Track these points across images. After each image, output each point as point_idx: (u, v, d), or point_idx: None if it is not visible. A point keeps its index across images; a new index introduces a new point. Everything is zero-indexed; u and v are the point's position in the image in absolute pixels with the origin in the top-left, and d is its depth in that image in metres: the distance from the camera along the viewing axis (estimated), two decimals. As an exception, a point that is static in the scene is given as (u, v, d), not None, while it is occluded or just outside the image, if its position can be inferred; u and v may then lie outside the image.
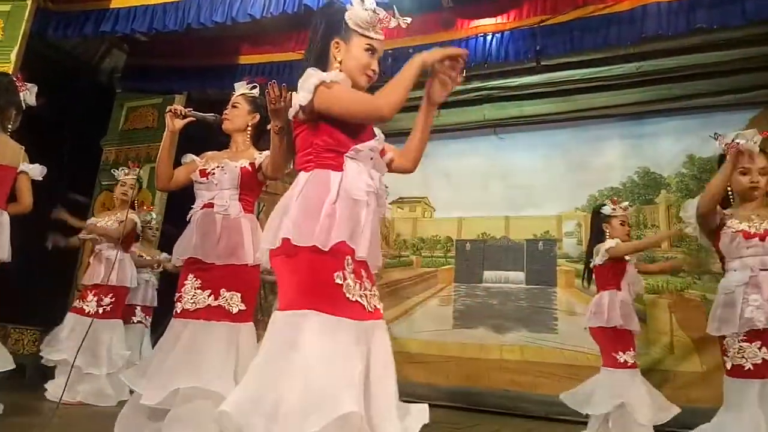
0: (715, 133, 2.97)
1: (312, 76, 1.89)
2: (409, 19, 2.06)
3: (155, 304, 5.75)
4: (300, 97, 1.89)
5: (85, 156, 6.71)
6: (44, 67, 5.56)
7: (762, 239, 2.79)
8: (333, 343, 1.71)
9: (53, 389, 4.40)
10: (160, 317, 5.49)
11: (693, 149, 6.00)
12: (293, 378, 1.65)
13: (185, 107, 3.08)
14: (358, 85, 2.00)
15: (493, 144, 6.99)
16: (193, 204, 3.01)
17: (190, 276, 2.85)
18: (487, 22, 5.57)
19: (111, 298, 4.69)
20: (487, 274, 6.83)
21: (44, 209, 3.99)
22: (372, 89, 1.98)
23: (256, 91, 3.10)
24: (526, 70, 6.29)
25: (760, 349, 2.72)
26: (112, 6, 5.73)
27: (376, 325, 1.86)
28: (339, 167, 1.89)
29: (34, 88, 3.80)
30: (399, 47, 4.96)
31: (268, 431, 1.60)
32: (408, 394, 5.72)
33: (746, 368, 2.73)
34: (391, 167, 2.12)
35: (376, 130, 2.04)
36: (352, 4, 2.02)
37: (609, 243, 4.24)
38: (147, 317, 5.73)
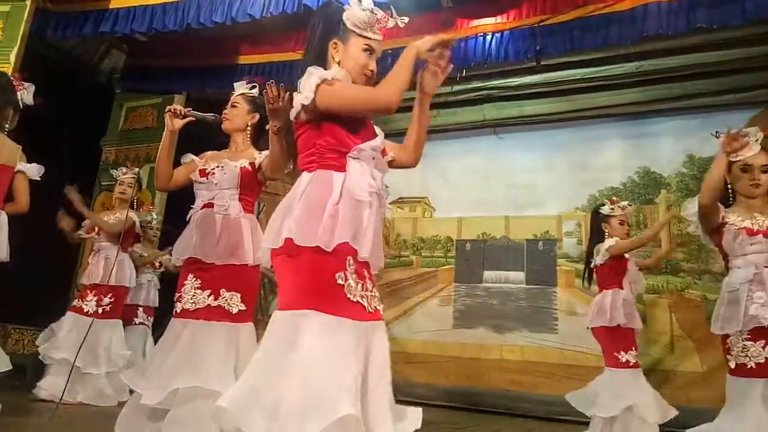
0: (717, 132, 2.96)
1: (313, 75, 1.89)
2: (406, 19, 2.07)
3: (157, 304, 5.74)
4: (302, 97, 1.89)
5: (84, 156, 6.70)
6: (44, 67, 5.55)
7: (766, 236, 2.78)
8: (333, 343, 1.71)
9: (47, 387, 4.35)
10: (161, 317, 5.49)
11: (693, 149, 6.00)
12: (293, 378, 1.65)
13: (185, 107, 3.08)
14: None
15: (493, 144, 6.99)
16: (193, 204, 3.01)
17: (190, 276, 2.84)
18: (487, 22, 5.56)
19: (110, 297, 4.69)
20: (487, 274, 6.83)
21: (44, 209, 3.97)
22: None
23: (255, 91, 3.09)
24: (526, 69, 6.30)
25: (764, 347, 2.69)
26: (111, 6, 5.73)
27: (376, 326, 1.86)
28: (342, 168, 1.89)
29: (32, 88, 3.79)
30: (399, 47, 4.97)
31: (268, 429, 1.60)
32: (408, 394, 5.73)
33: (749, 367, 2.70)
34: (392, 164, 2.13)
35: (377, 130, 2.04)
36: (350, 5, 2.02)
37: (609, 242, 4.24)
38: (149, 318, 5.72)
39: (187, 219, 2.97)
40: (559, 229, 6.62)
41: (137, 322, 5.62)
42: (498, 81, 6.63)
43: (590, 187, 6.48)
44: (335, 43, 2.01)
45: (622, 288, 4.18)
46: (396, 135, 2.27)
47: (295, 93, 1.95)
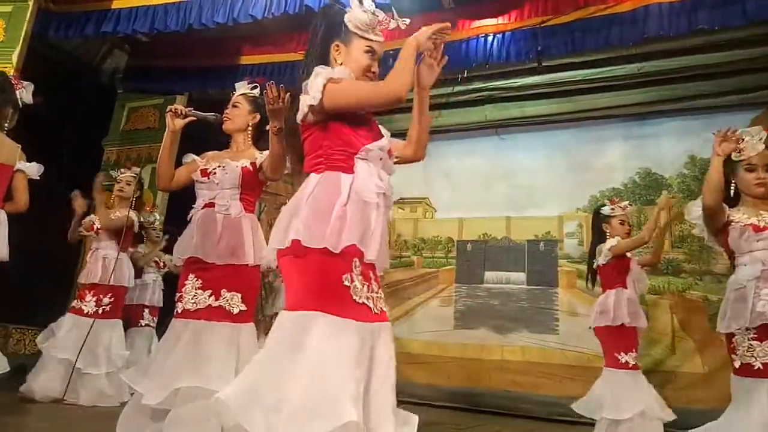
0: (728, 132, 2.95)
1: (319, 75, 1.90)
2: (408, 20, 2.08)
3: (161, 304, 5.74)
4: (309, 98, 1.89)
5: (86, 156, 6.71)
6: (46, 67, 5.57)
7: None
8: (338, 345, 1.71)
9: (39, 387, 4.28)
10: (163, 317, 5.50)
11: (695, 150, 5.99)
12: (297, 378, 1.65)
13: (186, 107, 3.08)
14: None
15: (494, 144, 6.99)
16: (195, 204, 3.01)
17: (191, 276, 2.84)
18: (489, 23, 5.57)
19: (110, 297, 4.67)
20: (488, 275, 6.83)
21: (44, 209, 3.98)
22: None
23: (256, 91, 3.10)
24: (527, 70, 6.30)
25: None
26: (113, 7, 5.74)
27: (382, 327, 1.86)
28: (349, 169, 1.89)
29: (30, 86, 3.79)
30: (400, 48, 4.98)
31: (269, 427, 1.61)
32: (409, 394, 5.74)
33: (756, 367, 2.67)
34: (398, 161, 2.13)
35: (383, 130, 2.05)
36: (351, 7, 2.03)
37: (611, 242, 4.24)
38: (154, 319, 5.71)
39: (188, 219, 2.97)
40: (560, 229, 6.61)
41: (143, 324, 5.62)
42: (499, 82, 6.63)
43: (591, 187, 6.48)
44: (337, 45, 2.02)
45: (625, 287, 4.17)
46: (397, 135, 2.27)
47: (300, 95, 1.94)
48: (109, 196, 5.22)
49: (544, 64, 5.87)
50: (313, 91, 1.88)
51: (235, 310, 2.81)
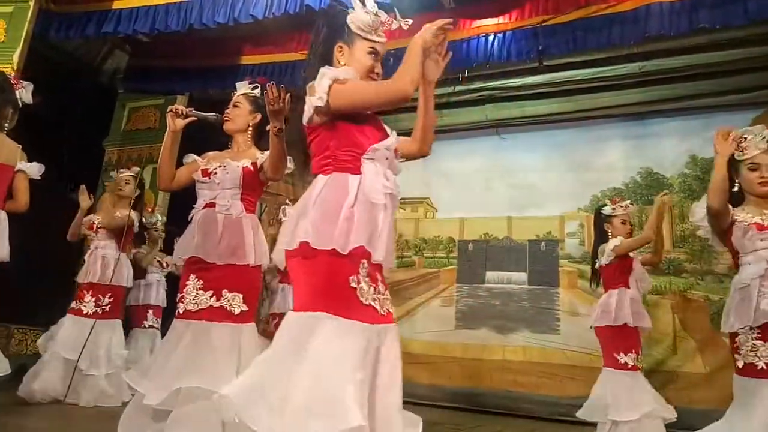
0: (725, 132, 2.94)
1: (324, 77, 1.89)
2: (410, 21, 2.08)
3: (165, 304, 5.72)
4: (315, 99, 1.89)
5: (87, 156, 6.72)
6: (46, 68, 5.58)
7: None
8: (344, 346, 1.71)
9: (39, 388, 4.26)
10: (166, 318, 5.49)
11: (696, 149, 6.00)
12: (302, 378, 1.65)
13: (186, 108, 3.08)
14: None
15: (495, 144, 6.99)
16: (195, 204, 3.01)
17: (192, 276, 2.84)
18: (489, 22, 5.57)
19: (109, 297, 4.66)
20: (490, 275, 6.83)
21: (44, 209, 3.98)
22: None
23: (257, 91, 3.09)
24: (528, 70, 6.30)
25: None
26: (114, 7, 5.74)
27: (388, 329, 1.86)
28: (357, 170, 1.89)
29: (30, 86, 3.78)
30: (401, 47, 4.98)
31: (271, 425, 1.61)
32: (410, 394, 5.70)
33: (759, 367, 2.64)
34: (404, 157, 2.13)
35: (389, 130, 2.05)
36: (353, 8, 2.03)
37: (614, 242, 4.22)
38: (157, 319, 5.70)
39: (189, 219, 2.97)
40: (561, 229, 6.61)
41: (146, 326, 5.61)
42: (500, 81, 6.63)
43: (593, 187, 6.48)
44: (340, 47, 2.02)
45: (628, 287, 4.16)
46: (402, 135, 2.27)
47: (306, 97, 1.94)
48: (109, 195, 5.22)
49: (544, 63, 5.87)
50: (319, 92, 1.88)
51: (237, 311, 2.80)
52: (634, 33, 4.98)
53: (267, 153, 2.89)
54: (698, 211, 3.00)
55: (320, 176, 1.93)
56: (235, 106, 3.09)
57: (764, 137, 2.87)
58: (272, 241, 4.83)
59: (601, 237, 4.38)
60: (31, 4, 5.19)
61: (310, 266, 1.82)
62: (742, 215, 2.84)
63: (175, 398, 2.58)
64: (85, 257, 4.85)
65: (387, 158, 1.95)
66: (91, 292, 4.65)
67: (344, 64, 2.00)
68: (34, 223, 3.89)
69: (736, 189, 2.89)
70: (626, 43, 5.28)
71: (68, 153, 6.20)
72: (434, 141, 2.23)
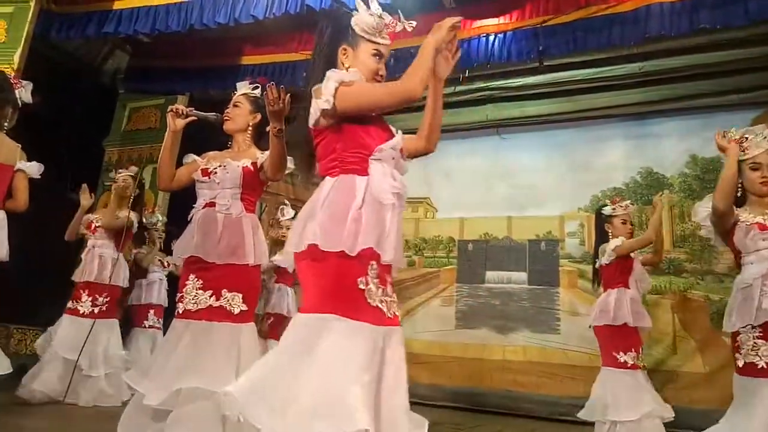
0: (724, 132, 2.94)
1: (330, 79, 1.90)
2: (414, 23, 2.08)
3: (167, 304, 5.71)
4: (321, 102, 1.89)
5: (87, 156, 6.73)
6: (47, 68, 5.58)
7: None
8: (351, 347, 1.71)
9: (41, 387, 4.26)
10: (167, 318, 5.48)
11: (696, 149, 5.99)
12: (308, 379, 1.66)
13: (187, 108, 3.08)
14: None
15: (495, 144, 6.99)
16: (196, 204, 3.01)
17: (192, 276, 2.84)
18: (490, 23, 5.57)
19: (105, 297, 4.64)
20: (490, 275, 6.83)
21: (44, 208, 3.99)
22: None
23: (258, 91, 3.10)
24: (528, 70, 6.30)
25: None
26: (114, 7, 5.75)
27: (394, 331, 1.87)
28: (363, 171, 1.90)
29: (29, 86, 3.78)
30: (401, 47, 4.98)
31: (275, 425, 1.61)
32: (410, 394, 5.68)
33: (760, 366, 2.65)
34: (410, 155, 2.13)
35: (394, 130, 2.05)
36: (356, 9, 2.03)
37: (615, 242, 4.22)
38: (159, 320, 5.70)
39: (189, 218, 2.97)
40: (561, 229, 6.61)
41: (147, 326, 5.60)
42: (500, 81, 6.63)
43: (593, 187, 6.47)
44: (344, 49, 2.02)
45: (627, 287, 4.16)
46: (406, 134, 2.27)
47: (312, 100, 1.94)
48: (108, 195, 5.22)
49: (545, 63, 5.88)
50: (326, 95, 1.88)
51: (236, 310, 2.80)
52: (635, 33, 4.98)
53: (267, 153, 2.89)
54: (701, 211, 3.00)
55: (327, 178, 1.94)
56: (235, 105, 3.09)
57: (766, 137, 2.87)
58: (271, 242, 4.84)
59: (602, 237, 4.38)
60: (32, 4, 5.19)
61: (319, 268, 1.82)
62: (745, 215, 2.84)
63: (175, 398, 2.58)
64: (82, 255, 4.84)
65: (393, 158, 1.96)
66: (87, 292, 4.64)
67: (349, 67, 2.00)
68: (33, 223, 3.89)
69: (740, 194, 2.90)
70: (626, 44, 5.28)
71: (68, 153, 6.20)
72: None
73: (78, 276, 4.74)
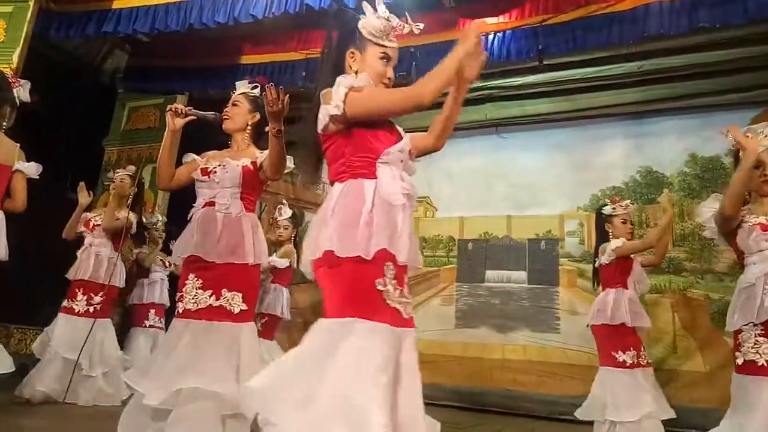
0: (726, 131, 2.94)
1: (341, 85, 1.90)
2: (422, 25, 2.07)
3: (169, 303, 5.71)
4: (331, 108, 1.89)
5: (87, 156, 6.72)
6: (46, 67, 5.58)
7: None
8: (369, 349, 1.71)
9: (42, 386, 4.26)
10: (169, 317, 5.48)
11: (695, 148, 5.99)
12: (327, 381, 1.66)
13: (186, 107, 3.08)
14: None
15: (494, 143, 6.99)
16: (195, 203, 3.01)
17: (191, 276, 2.84)
18: (489, 22, 5.56)
19: (101, 296, 4.63)
20: (490, 274, 6.83)
21: (43, 208, 3.98)
22: None
23: (257, 91, 3.10)
24: (528, 69, 6.30)
25: None
26: (114, 7, 5.75)
27: (408, 333, 1.87)
28: (372, 175, 1.90)
29: (27, 85, 3.77)
30: (401, 47, 4.98)
31: (292, 424, 1.62)
32: (410, 393, 5.71)
33: (760, 364, 2.66)
34: (419, 153, 2.12)
35: (401, 131, 2.05)
36: (356, 9, 2.02)
37: (615, 242, 4.22)
38: (161, 319, 5.69)
39: (189, 218, 2.97)
40: (561, 228, 6.61)
41: (147, 325, 5.60)
42: (500, 80, 6.63)
43: (592, 186, 6.47)
44: (352, 53, 2.02)
45: (626, 287, 4.16)
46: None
47: (321, 105, 1.94)
48: (108, 195, 5.22)
49: (544, 62, 5.87)
50: (336, 100, 1.88)
51: (236, 310, 2.80)
52: (634, 32, 4.99)
53: (266, 152, 2.89)
54: (705, 212, 3.01)
55: (336, 184, 1.94)
56: (234, 105, 3.09)
57: (767, 135, 2.88)
58: (271, 243, 4.84)
59: (602, 237, 4.38)
60: (31, 3, 5.19)
61: (336, 274, 1.83)
62: (748, 216, 2.85)
63: (175, 398, 2.58)
64: (78, 253, 4.81)
65: (402, 160, 1.96)
66: (82, 290, 4.62)
67: (356, 70, 2.00)
68: (32, 223, 3.88)
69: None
70: (625, 43, 5.29)
71: (68, 152, 6.21)
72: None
73: (72, 274, 4.71)
